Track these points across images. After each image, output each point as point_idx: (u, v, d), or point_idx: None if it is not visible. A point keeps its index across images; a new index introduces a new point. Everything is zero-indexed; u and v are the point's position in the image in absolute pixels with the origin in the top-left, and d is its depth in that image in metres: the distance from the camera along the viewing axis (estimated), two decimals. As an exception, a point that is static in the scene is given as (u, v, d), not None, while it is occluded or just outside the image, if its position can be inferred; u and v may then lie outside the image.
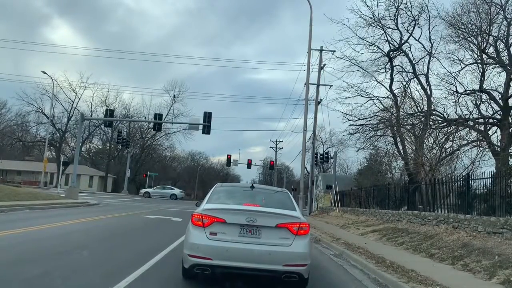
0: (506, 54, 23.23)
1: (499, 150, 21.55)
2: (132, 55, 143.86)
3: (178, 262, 7.45)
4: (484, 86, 23.74)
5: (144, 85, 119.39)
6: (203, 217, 6.01)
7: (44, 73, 47.31)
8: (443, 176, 20.97)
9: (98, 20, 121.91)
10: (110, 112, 32.53)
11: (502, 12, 22.98)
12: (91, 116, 58.22)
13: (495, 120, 23.57)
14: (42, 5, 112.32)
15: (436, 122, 25.03)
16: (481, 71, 23.81)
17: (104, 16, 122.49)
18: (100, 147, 75.83)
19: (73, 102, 60.83)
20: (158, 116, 32.94)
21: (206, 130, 30.62)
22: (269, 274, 6.03)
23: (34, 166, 62.71)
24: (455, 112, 24.70)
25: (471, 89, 24.58)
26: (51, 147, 63.53)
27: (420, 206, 17.82)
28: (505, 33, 23.08)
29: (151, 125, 45.85)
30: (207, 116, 30.52)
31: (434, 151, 24.18)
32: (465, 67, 24.78)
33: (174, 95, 62.60)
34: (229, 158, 54.64)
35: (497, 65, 23.51)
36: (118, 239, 11.25)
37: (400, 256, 10.31)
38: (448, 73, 25.20)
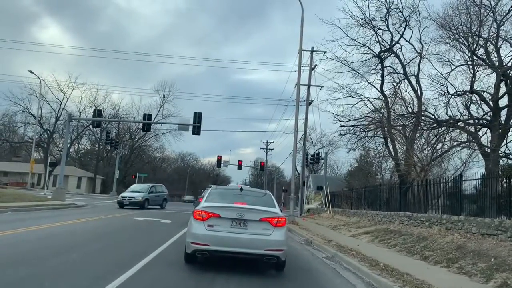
0: (496, 55, 23.27)
1: (488, 151, 21.56)
2: (122, 55, 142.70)
3: (165, 268, 7.69)
4: (475, 87, 23.78)
5: (134, 86, 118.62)
6: (203, 213, 7.53)
7: (31, 72, 46.52)
8: (435, 177, 20.86)
9: (87, 19, 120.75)
10: (98, 112, 31.96)
11: (491, 14, 23.03)
12: (80, 116, 57.43)
13: (485, 121, 23.60)
14: (31, 4, 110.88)
15: (427, 123, 25.00)
16: (472, 72, 23.84)
17: (94, 15, 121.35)
18: (89, 148, 75.00)
19: (61, 102, 60.07)
20: (147, 116, 32.38)
21: (196, 130, 30.23)
22: (253, 257, 7.62)
23: (21, 167, 61.75)
24: (446, 113, 24.71)
25: (461, 90, 24.59)
26: (39, 148, 62.58)
27: (412, 207, 17.68)
28: (494, 35, 23.12)
29: (140, 125, 45.26)
30: (197, 117, 30.13)
31: (425, 151, 24.14)
32: (455, 68, 24.77)
33: (164, 95, 61.99)
34: (219, 159, 54.17)
35: (487, 66, 23.53)
36: (103, 242, 10.87)
37: (394, 259, 10.11)
38: (439, 74, 25.21)
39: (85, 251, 8.97)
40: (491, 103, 23.03)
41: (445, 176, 20.42)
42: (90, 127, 59.73)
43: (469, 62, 24.22)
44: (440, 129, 24.41)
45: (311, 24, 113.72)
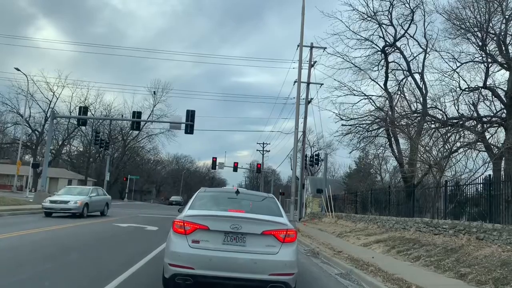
0: (505, 52, 21.72)
1: (496, 151, 19.98)
2: (120, 52, 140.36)
3: None
4: (488, 83, 22.23)
5: (128, 88, 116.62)
6: (185, 224, 5.64)
7: (18, 69, 44.36)
8: (451, 178, 19.01)
9: (83, 21, 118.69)
10: (83, 110, 29.96)
11: (499, 9, 21.57)
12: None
13: (499, 119, 21.99)
14: (27, 6, 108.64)
15: (437, 121, 23.38)
16: (486, 66, 22.24)
17: (89, 17, 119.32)
18: (81, 150, 72.93)
19: (51, 102, 57.94)
20: (137, 114, 30.34)
21: (189, 129, 28.37)
22: (254, 284, 5.64)
23: (9, 169, 59.58)
24: (457, 111, 23.12)
25: (472, 86, 23.04)
26: (29, 150, 60.43)
27: (427, 212, 15.89)
28: (503, 30, 21.62)
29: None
30: (190, 115, 28.27)
31: (435, 151, 22.42)
32: (466, 63, 23.27)
33: (154, 92, 59.94)
34: (214, 160, 52.48)
35: (495, 62, 21.95)
36: (66, 257, 8.97)
37: (423, 277, 8.27)
38: (447, 70, 23.80)
39: (39, 269, 7.08)
40: (505, 99, 21.42)
41: (465, 177, 18.52)
42: (82, 128, 57.65)
43: (479, 57, 22.74)
44: (449, 128, 22.81)
45: (310, 26, 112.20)
